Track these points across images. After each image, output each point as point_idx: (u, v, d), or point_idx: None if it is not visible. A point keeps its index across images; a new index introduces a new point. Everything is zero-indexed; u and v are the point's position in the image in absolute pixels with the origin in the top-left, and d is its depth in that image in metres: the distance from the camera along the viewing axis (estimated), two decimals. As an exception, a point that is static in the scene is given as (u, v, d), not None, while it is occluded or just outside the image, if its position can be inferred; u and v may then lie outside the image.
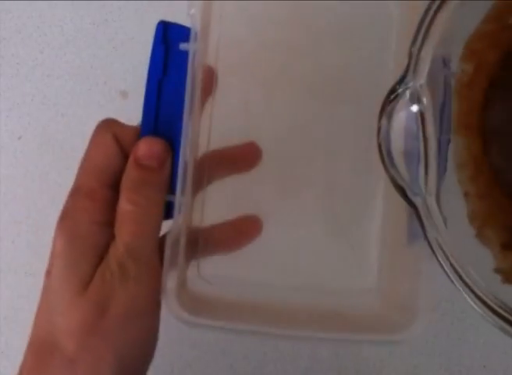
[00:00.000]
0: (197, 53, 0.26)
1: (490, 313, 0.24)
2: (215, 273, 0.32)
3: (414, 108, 0.24)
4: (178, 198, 0.26)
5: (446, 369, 0.37)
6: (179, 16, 0.39)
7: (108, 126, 0.27)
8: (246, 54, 0.34)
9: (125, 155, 0.26)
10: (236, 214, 0.31)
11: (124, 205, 0.25)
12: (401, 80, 0.25)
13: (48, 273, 0.26)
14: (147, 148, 0.26)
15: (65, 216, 0.26)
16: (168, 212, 0.27)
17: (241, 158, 0.32)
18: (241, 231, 0.31)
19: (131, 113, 0.39)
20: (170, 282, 0.26)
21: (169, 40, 0.27)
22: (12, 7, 0.39)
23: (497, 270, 0.24)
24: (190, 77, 0.26)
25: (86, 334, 0.24)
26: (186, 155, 0.26)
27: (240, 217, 0.31)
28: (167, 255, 0.26)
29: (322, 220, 0.34)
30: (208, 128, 0.32)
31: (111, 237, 0.26)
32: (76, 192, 0.26)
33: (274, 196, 0.34)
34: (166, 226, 0.27)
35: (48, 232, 0.39)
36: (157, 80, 0.27)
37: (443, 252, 0.24)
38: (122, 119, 0.39)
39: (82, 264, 0.25)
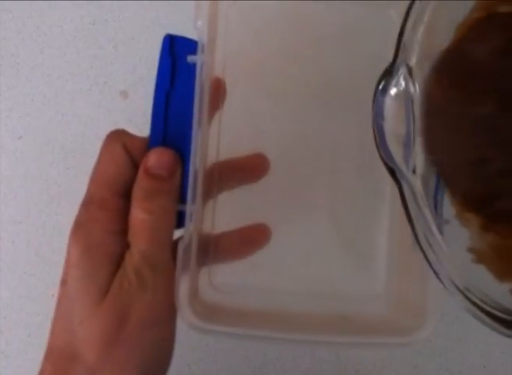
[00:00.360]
0: (205, 65, 0.27)
1: (458, 292, 0.24)
2: (225, 280, 0.33)
3: (404, 88, 0.25)
4: (189, 207, 0.27)
5: (446, 369, 0.37)
6: (178, 15, 0.39)
7: (118, 136, 0.27)
8: (251, 64, 0.34)
9: (134, 165, 0.27)
10: (246, 222, 0.32)
11: (137, 214, 0.26)
12: (393, 63, 0.25)
13: (64, 282, 0.26)
14: (157, 158, 0.26)
15: (79, 227, 0.26)
16: (179, 221, 0.27)
17: (249, 168, 0.32)
18: (250, 239, 0.31)
19: (131, 113, 0.39)
20: (182, 289, 0.27)
21: (176, 52, 0.27)
22: (12, 7, 0.39)
23: (471, 250, 0.24)
24: (198, 88, 0.27)
25: (106, 344, 0.25)
26: (195, 164, 0.27)
27: (249, 225, 0.32)
28: (179, 263, 0.27)
29: (330, 228, 0.35)
30: (217, 138, 0.33)
31: (125, 246, 0.26)
32: (88, 202, 0.27)
33: (282, 204, 0.35)
34: (177, 235, 0.28)
35: (48, 232, 0.39)
36: (164, 92, 0.27)
37: (422, 230, 0.25)
38: (122, 119, 0.39)
39: (99, 273, 0.25)
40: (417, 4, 0.24)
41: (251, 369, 0.38)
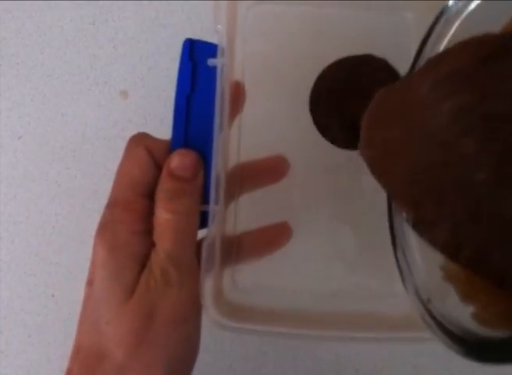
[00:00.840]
0: (225, 67, 0.27)
1: (420, 303, 0.25)
2: (248, 280, 0.33)
3: None
4: (212, 208, 0.27)
5: (446, 369, 0.37)
6: (178, 15, 0.39)
7: (141, 139, 0.28)
8: (270, 67, 0.34)
9: (157, 167, 0.27)
10: (266, 222, 0.32)
11: (162, 214, 0.26)
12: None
13: (90, 282, 0.26)
14: (180, 159, 0.27)
15: (104, 228, 0.26)
16: (202, 221, 0.28)
17: (270, 170, 0.33)
18: (272, 237, 0.32)
19: (131, 113, 0.39)
20: (207, 288, 0.27)
21: (196, 56, 0.28)
22: (12, 7, 0.39)
23: (443, 268, 0.24)
24: (219, 91, 0.27)
25: (134, 342, 0.25)
26: (217, 166, 0.27)
27: (270, 224, 0.32)
28: (203, 262, 0.27)
29: (351, 227, 0.35)
30: (238, 140, 0.33)
31: (150, 246, 0.26)
32: (112, 204, 0.27)
33: (302, 205, 0.35)
34: (200, 235, 0.28)
35: (48, 232, 0.39)
36: (185, 96, 0.27)
37: (400, 238, 0.26)
38: (122, 119, 0.39)
39: (125, 273, 0.26)
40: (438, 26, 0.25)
41: (251, 369, 0.38)
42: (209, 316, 0.28)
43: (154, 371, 0.25)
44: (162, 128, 0.39)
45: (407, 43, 0.34)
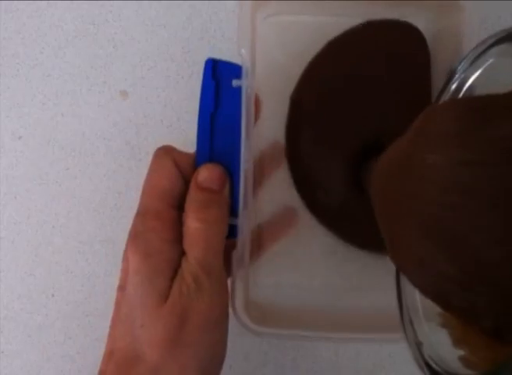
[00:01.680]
0: (249, 88, 0.29)
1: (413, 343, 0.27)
2: (272, 282, 0.36)
3: None
4: (240, 219, 0.29)
5: (446, 369, 0.37)
6: (178, 15, 0.39)
7: (168, 152, 0.29)
8: (284, 76, 0.35)
9: (183, 179, 0.29)
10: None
11: (192, 224, 0.28)
12: None
13: (122, 288, 0.28)
14: (208, 173, 0.29)
15: (137, 236, 0.28)
16: (228, 232, 0.30)
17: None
18: (283, 221, 0.36)
19: (131, 113, 0.39)
20: (238, 295, 0.30)
21: (218, 76, 0.30)
22: (12, 7, 0.39)
23: (441, 314, 0.26)
24: (244, 111, 0.29)
25: (169, 345, 0.26)
26: (246, 179, 0.29)
27: (278, 212, 0.36)
28: (234, 271, 0.30)
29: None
30: (256, 147, 0.35)
31: (180, 253, 0.28)
32: (143, 213, 0.28)
33: None
34: None
35: (48, 232, 0.39)
36: (209, 114, 0.29)
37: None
38: (122, 119, 0.39)
39: (159, 279, 0.27)
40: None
41: (251, 369, 0.38)
42: (240, 322, 0.30)
43: (189, 372, 0.26)
44: (162, 128, 0.39)
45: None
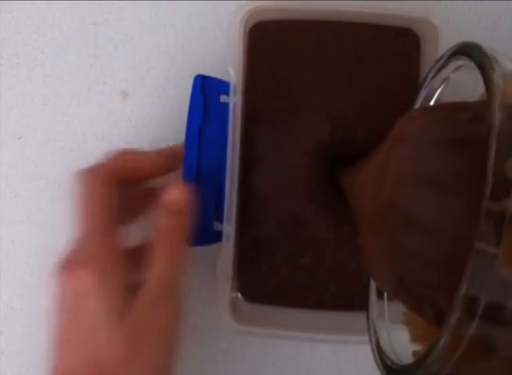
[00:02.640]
0: (237, 105, 0.31)
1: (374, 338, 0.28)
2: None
3: None
4: (225, 227, 0.31)
5: (446, 369, 0.37)
6: (178, 15, 0.39)
7: (89, 172, 0.30)
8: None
9: (162, 166, 0.32)
10: None
11: (156, 244, 0.29)
12: None
13: (76, 308, 0.27)
14: (173, 195, 0.29)
15: (89, 257, 0.28)
16: (212, 236, 0.32)
17: None
18: None
19: (131, 113, 0.39)
20: (224, 299, 0.32)
21: (207, 91, 0.31)
22: (12, 7, 0.39)
23: (405, 313, 0.27)
24: (231, 125, 0.31)
25: (130, 360, 0.26)
26: (231, 190, 0.31)
27: None
28: (220, 277, 0.32)
29: None
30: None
31: (138, 268, 0.28)
32: (92, 234, 0.29)
33: None
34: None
35: (48, 232, 0.39)
36: (197, 126, 0.31)
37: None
38: (122, 119, 0.39)
39: (116, 297, 0.27)
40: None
41: (251, 369, 0.38)
42: (226, 326, 0.32)
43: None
44: (162, 128, 0.39)
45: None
